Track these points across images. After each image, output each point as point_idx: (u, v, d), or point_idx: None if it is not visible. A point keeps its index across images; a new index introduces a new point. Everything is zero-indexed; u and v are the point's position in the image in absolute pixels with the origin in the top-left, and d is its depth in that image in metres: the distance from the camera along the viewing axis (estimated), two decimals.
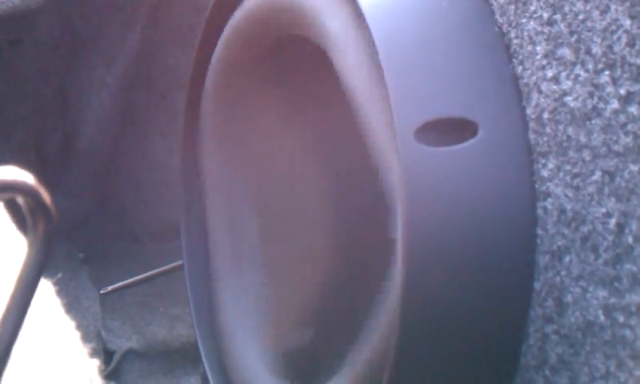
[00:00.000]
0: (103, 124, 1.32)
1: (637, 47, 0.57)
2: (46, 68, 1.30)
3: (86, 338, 0.56)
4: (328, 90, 0.80)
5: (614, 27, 0.59)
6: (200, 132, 0.91)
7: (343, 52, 0.69)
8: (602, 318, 0.59)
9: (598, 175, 0.60)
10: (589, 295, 0.60)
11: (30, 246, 0.40)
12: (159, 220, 1.30)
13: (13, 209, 0.58)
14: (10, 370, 0.41)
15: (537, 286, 0.64)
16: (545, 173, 0.64)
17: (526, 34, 0.65)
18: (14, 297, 0.41)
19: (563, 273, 0.62)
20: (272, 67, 0.86)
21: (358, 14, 0.68)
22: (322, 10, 0.72)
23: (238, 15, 0.84)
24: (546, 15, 0.63)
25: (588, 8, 0.60)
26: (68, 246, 1.24)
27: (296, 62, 0.85)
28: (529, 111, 0.65)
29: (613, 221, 0.59)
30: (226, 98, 0.88)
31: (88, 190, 1.32)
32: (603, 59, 0.59)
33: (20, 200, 0.40)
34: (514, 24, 0.66)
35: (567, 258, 0.62)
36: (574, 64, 0.61)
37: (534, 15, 0.64)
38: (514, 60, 0.66)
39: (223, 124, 0.90)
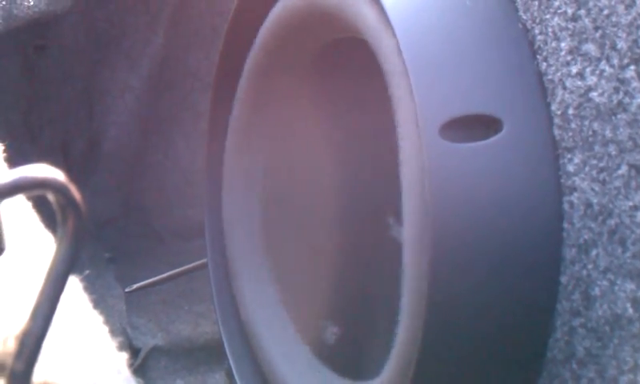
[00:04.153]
0: (128, 126, 1.33)
1: None
2: (71, 72, 1.31)
3: (112, 334, 0.57)
4: (359, 94, 0.80)
5: (639, 22, 0.58)
6: (228, 131, 0.91)
7: (380, 52, 0.70)
8: (631, 310, 0.59)
9: (624, 169, 0.60)
10: (616, 288, 0.60)
11: (60, 241, 0.41)
12: (183, 219, 1.31)
13: (41, 206, 0.59)
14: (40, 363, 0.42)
15: (563, 279, 0.64)
16: (571, 167, 0.64)
17: (550, 30, 0.65)
18: (44, 291, 0.41)
19: (590, 266, 0.62)
20: (306, 71, 0.87)
21: (382, 14, 0.68)
22: (357, 10, 0.72)
23: (275, 19, 0.84)
24: (570, 11, 0.63)
25: (613, 3, 0.60)
26: (94, 246, 1.25)
27: (331, 65, 0.85)
28: (554, 107, 0.65)
29: None
30: (257, 100, 0.89)
31: (113, 191, 1.33)
32: (629, 54, 0.59)
33: (50, 197, 0.40)
34: (538, 20, 0.66)
35: (594, 252, 0.62)
36: (598, 59, 0.61)
37: (558, 11, 0.64)
38: (538, 56, 0.66)
39: (252, 123, 0.90)
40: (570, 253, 0.63)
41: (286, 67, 0.86)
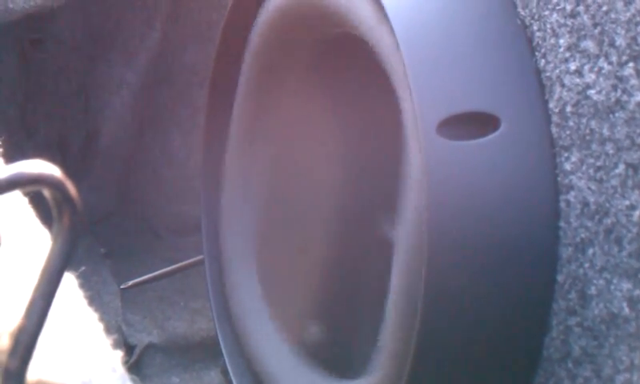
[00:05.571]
0: (124, 121, 1.32)
1: None
2: (67, 66, 1.31)
3: (107, 331, 0.57)
4: (357, 90, 0.80)
5: (638, 18, 0.58)
6: (228, 128, 0.91)
7: (378, 47, 0.69)
8: (627, 310, 0.59)
9: (621, 168, 0.60)
10: (613, 287, 0.60)
11: (56, 237, 0.41)
12: (179, 215, 1.31)
13: (37, 202, 0.58)
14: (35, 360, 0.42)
15: (560, 278, 0.64)
16: (568, 166, 0.63)
17: (548, 26, 0.65)
18: (39, 288, 0.41)
19: (587, 265, 0.62)
20: (305, 66, 0.86)
21: (381, 10, 0.68)
22: (353, 6, 0.72)
23: (271, 12, 0.84)
24: (568, 7, 0.63)
25: None
26: (89, 241, 1.24)
27: (329, 61, 0.85)
28: (551, 104, 0.65)
29: (637, 213, 0.58)
30: (256, 97, 0.89)
31: (109, 186, 1.33)
32: (627, 51, 0.59)
33: (46, 193, 0.40)
34: (536, 17, 0.66)
35: (591, 251, 0.62)
36: (597, 56, 0.61)
37: (557, 7, 0.64)
38: (536, 53, 0.66)
39: (251, 119, 0.90)
40: (566, 251, 0.63)
41: (284, 65, 0.86)
